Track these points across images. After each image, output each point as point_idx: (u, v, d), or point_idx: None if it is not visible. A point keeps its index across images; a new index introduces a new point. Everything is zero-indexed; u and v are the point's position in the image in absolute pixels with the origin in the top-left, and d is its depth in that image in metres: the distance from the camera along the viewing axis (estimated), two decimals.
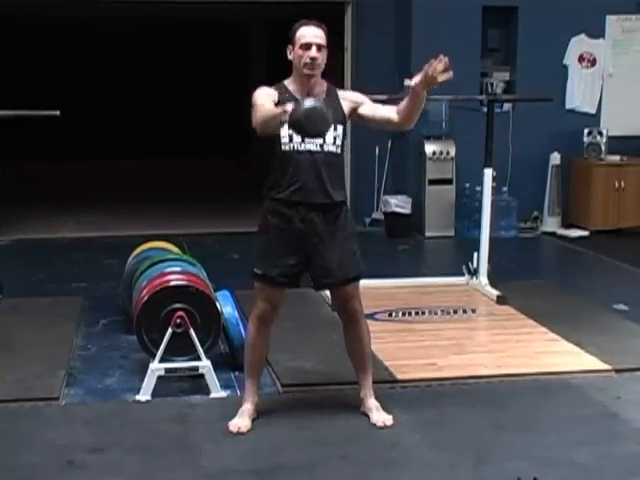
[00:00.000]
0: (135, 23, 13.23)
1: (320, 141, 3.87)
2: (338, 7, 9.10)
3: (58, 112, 5.92)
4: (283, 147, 3.88)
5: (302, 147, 3.87)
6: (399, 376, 4.61)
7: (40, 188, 11.35)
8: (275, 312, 4.02)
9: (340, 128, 3.92)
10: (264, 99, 3.81)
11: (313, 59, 3.85)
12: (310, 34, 3.87)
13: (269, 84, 4.00)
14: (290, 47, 3.92)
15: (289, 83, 3.97)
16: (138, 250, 5.69)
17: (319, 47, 3.87)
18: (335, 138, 3.91)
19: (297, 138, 3.85)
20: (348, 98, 4.04)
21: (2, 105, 6.39)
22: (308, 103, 3.62)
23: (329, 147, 3.90)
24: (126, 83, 14.25)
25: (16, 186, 10.96)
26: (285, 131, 3.84)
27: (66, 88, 13.55)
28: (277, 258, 3.91)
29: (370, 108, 4.03)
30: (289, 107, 3.62)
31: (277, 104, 3.72)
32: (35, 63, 13.88)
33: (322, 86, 3.97)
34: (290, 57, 3.93)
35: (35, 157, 13.04)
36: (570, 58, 9.00)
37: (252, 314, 4.05)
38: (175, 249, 5.69)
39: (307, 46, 3.85)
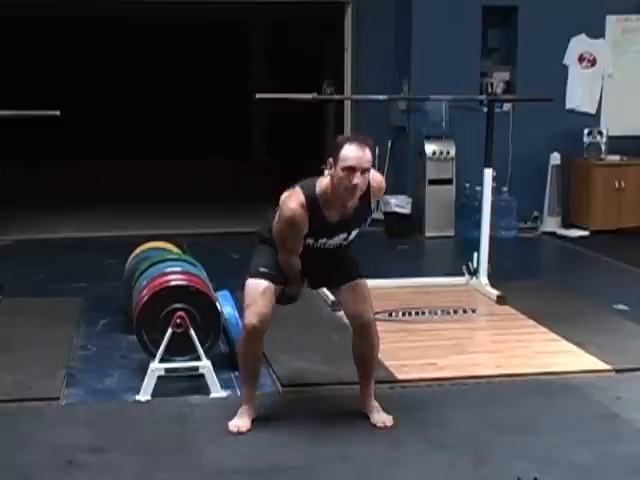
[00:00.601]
0: (135, 23, 13.23)
1: (344, 242, 3.92)
2: (338, 7, 9.10)
3: (58, 112, 5.91)
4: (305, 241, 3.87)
5: (324, 247, 3.91)
6: (399, 376, 4.61)
7: (40, 188, 11.34)
8: (264, 326, 3.87)
9: (357, 230, 3.94)
10: (296, 242, 3.81)
11: (355, 186, 3.67)
12: (355, 156, 3.68)
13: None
14: (331, 161, 3.72)
15: (323, 195, 3.76)
16: (138, 250, 5.68)
17: (363, 172, 3.70)
18: (348, 237, 3.95)
19: (321, 245, 3.88)
20: (375, 194, 3.93)
21: (2, 105, 6.39)
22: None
23: (348, 242, 3.97)
24: (126, 83, 14.26)
25: (16, 186, 10.98)
26: (311, 242, 3.86)
27: (66, 88, 13.56)
28: (273, 262, 3.93)
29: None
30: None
31: None
32: (35, 63, 13.89)
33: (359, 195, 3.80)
34: (328, 172, 3.74)
35: (35, 157, 13.04)
36: (570, 58, 9.00)
37: (242, 328, 3.99)
38: (175, 249, 5.69)
39: (352, 169, 3.66)
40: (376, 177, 3.92)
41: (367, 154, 3.73)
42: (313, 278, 4.08)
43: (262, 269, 3.92)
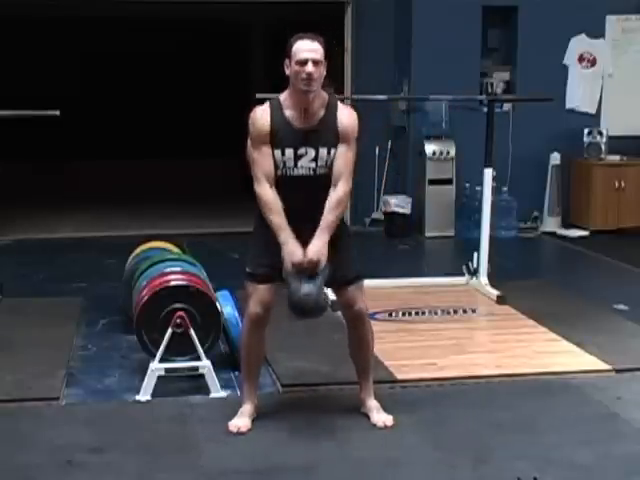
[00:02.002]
0: (135, 23, 13.22)
1: (313, 165, 3.85)
2: (338, 7, 9.10)
3: (58, 112, 5.92)
4: (277, 172, 3.86)
5: (295, 173, 3.86)
6: (399, 376, 4.61)
7: (40, 188, 11.34)
8: (267, 314, 3.95)
9: (333, 151, 3.86)
10: (261, 163, 3.81)
11: (309, 75, 3.75)
12: (305, 49, 3.78)
13: (268, 88, 3.97)
14: (287, 62, 3.82)
15: (285, 99, 3.88)
16: (138, 250, 5.68)
17: (315, 62, 3.77)
18: (327, 161, 3.87)
19: (290, 163, 3.85)
20: (343, 122, 3.87)
21: (2, 105, 6.39)
22: (305, 289, 3.70)
23: (321, 170, 3.88)
24: (126, 83, 14.25)
25: (16, 186, 10.98)
26: (279, 157, 3.84)
27: (66, 88, 13.55)
28: (268, 257, 3.88)
29: (339, 153, 3.88)
30: (285, 248, 3.75)
31: None
32: (35, 63, 13.88)
33: (321, 99, 3.87)
34: (287, 72, 3.84)
35: (35, 157, 13.04)
36: (570, 58, 9.00)
37: (245, 317, 4.04)
38: (175, 249, 5.69)
39: (303, 62, 3.76)
40: (347, 107, 4.01)
41: (317, 46, 3.81)
42: (313, 241, 3.89)
43: (248, 269, 3.95)
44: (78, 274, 6.96)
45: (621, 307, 6.02)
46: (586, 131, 8.82)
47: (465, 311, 5.88)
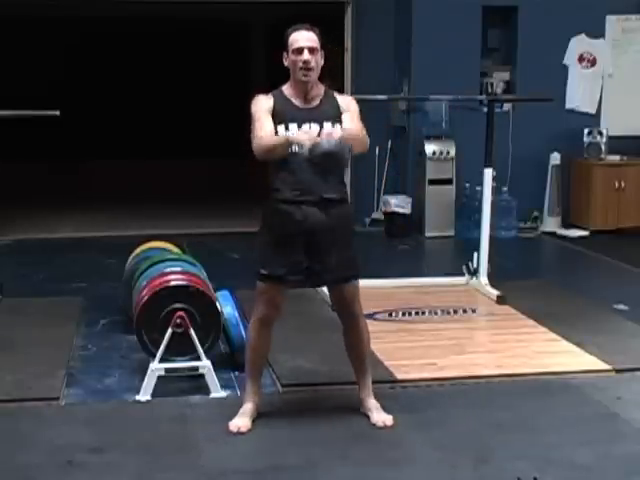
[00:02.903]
0: (135, 23, 13.23)
1: (317, 129, 3.88)
2: (338, 7, 9.10)
3: (58, 112, 5.92)
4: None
5: (299, 149, 3.87)
6: (399, 376, 4.61)
7: (40, 187, 11.34)
8: (278, 313, 4.01)
9: (337, 126, 3.90)
10: (263, 121, 3.86)
11: (306, 62, 3.85)
12: (302, 38, 3.88)
13: (267, 90, 4.01)
14: (285, 54, 3.92)
15: (286, 88, 3.98)
16: (138, 250, 5.68)
17: (311, 50, 3.87)
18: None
19: (293, 128, 3.87)
20: (342, 102, 4.02)
21: (2, 105, 6.39)
22: (325, 146, 3.69)
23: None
24: (126, 83, 14.26)
25: (16, 186, 10.98)
26: (282, 133, 3.86)
27: (66, 88, 13.56)
28: (283, 257, 3.90)
29: (345, 120, 3.96)
30: (292, 136, 3.81)
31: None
32: (36, 63, 13.89)
33: (319, 89, 3.98)
34: (286, 63, 3.94)
35: (34, 157, 13.04)
36: (570, 58, 9.00)
37: (253, 317, 4.04)
38: (175, 249, 5.69)
39: (299, 51, 3.86)
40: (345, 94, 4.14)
41: (312, 35, 3.91)
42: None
43: (263, 271, 3.95)
44: (78, 274, 6.96)
45: (621, 307, 6.02)
46: (586, 131, 8.82)
47: (465, 311, 5.88)
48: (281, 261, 3.90)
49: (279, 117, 3.90)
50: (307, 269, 3.94)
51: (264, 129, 3.86)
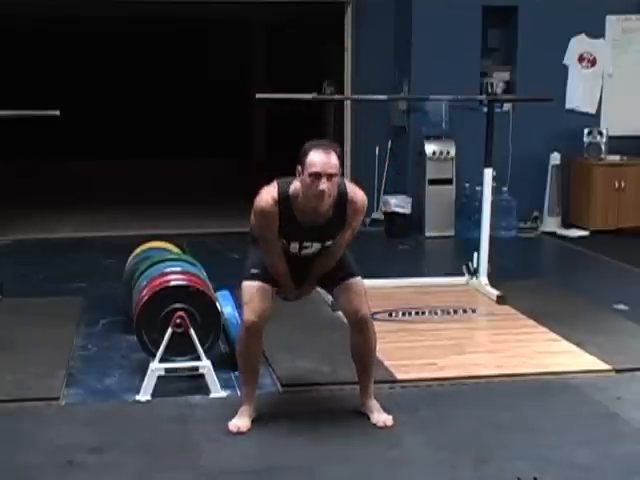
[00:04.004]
0: (135, 23, 13.23)
1: (317, 249, 3.93)
2: (338, 7, 9.10)
3: (58, 112, 5.91)
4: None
5: (300, 254, 3.94)
6: (399, 376, 4.61)
7: (40, 188, 11.35)
8: (263, 322, 3.92)
9: (338, 237, 3.92)
10: (271, 244, 3.87)
11: (322, 192, 3.68)
12: (320, 162, 3.68)
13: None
14: (299, 168, 3.75)
15: (296, 195, 3.79)
16: (138, 250, 5.68)
17: (330, 176, 3.69)
18: (322, 249, 3.96)
19: (295, 250, 3.91)
20: (350, 214, 3.87)
21: (2, 105, 6.39)
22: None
23: (326, 246, 3.96)
24: (126, 83, 14.26)
25: (15, 185, 10.98)
26: (284, 245, 3.91)
27: (66, 88, 13.56)
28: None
29: (342, 234, 3.93)
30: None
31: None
32: (36, 63, 13.89)
33: (331, 200, 3.78)
34: (299, 178, 3.77)
35: (34, 157, 13.05)
36: (570, 58, 9.00)
37: (240, 325, 4.03)
38: (175, 249, 5.69)
39: (317, 175, 3.68)
40: (358, 195, 3.90)
41: (332, 159, 3.72)
42: (305, 285, 4.10)
43: (254, 270, 3.96)
44: (78, 274, 6.96)
45: (621, 307, 6.02)
46: (586, 131, 8.82)
47: (465, 311, 5.88)
48: (261, 265, 3.96)
49: (282, 231, 3.86)
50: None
51: (274, 253, 3.89)
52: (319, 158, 3.69)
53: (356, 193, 3.89)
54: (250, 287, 3.94)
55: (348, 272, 4.03)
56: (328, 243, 3.91)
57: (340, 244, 3.97)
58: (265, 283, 3.93)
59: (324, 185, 3.68)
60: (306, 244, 3.90)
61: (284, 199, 3.80)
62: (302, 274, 4.02)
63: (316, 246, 3.92)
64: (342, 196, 3.83)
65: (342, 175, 3.92)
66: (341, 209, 3.85)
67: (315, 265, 4.00)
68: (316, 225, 3.84)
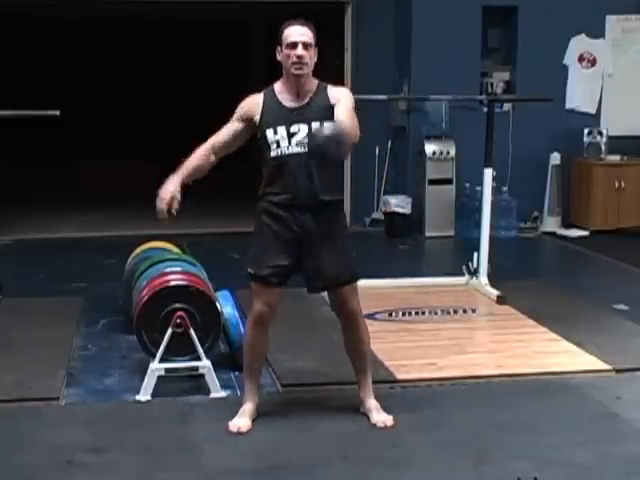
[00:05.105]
0: (135, 23, 13.23)
1: (305, 131, 3.86)
2: (338, 7, 9.10)
3: (58, 112, 5.92)
4: (272, 153, 3.90)
5: (290, 150, 3.87)
6: (399, 376, 4.61)
7: (40, 188, 11.34)
8: (271, 312, 3.99)
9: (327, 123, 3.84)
10: (226, 129, 4.02)
11: (300, 57, 3.82)
12: (296, 33, 3.85)
13: (263, 86, 4.01)
14: (278, 48, 3.90)
15: (278, 85, 3.96)
16: (138, 250, 5.68)
17: (305, 45, 3.84)
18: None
19: (284, 142, 3.86)
20: (334, 95, 3.95)
21: (2, 105, 6.39)
22: (326, 131, 3.63)
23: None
24: (126, 83, 14.26)
25: (16, 186, 10.98)
26: (272, 137, 3.87)
27: (65, 88, 13.56)
28: (269, 259, 3.91)
29: (337, 111, 3.88)
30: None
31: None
32: (36, 63, 13.90)
33: (311, 84, 3.94)
34: (279, 58, 3.92)
35: (34, 156, 13.04)
36: (570, 58, 9.00)
37: (249, 315, 4.06)
38: (175, 249, 5.69)
39: (293, 45, 3.83)
40: (337, 86, 4.05)
41: (307, 30, 3.88)
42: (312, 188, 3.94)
43: (250, 270, 3.97)
44: (78, 274, 6.96)
45: (621, 307, 6.02)
46: (586, 131, 8.82)
47: (465, 311, 5.88)
48: (266, 263, 3.92)
49: (267, 120, 3.89)
50: (289, 273, 3.97)
51: (218, 136, 4.05)
52: (295, 29, 3.86)
53: (335, 85, 4.03)
54: (256, 285, 3.99)
55: (345, 279, 3.99)
56: (315, 125, 3.82)
57: (340, 118, 3.80)
58: (269, 285, 3.95)
59: (301, 51, 3.82)
60: (294, 128, 3.86)
61: (268, 91, 3.97)
62: (305, 193, 3.87)
63: (304, 130, 3.84)
64: (323, 86, 3.96)
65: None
66: (323, 92, 3.94)
67: (317, 176, 3.86)
68: (301, 105, 3.90)
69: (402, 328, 5.52)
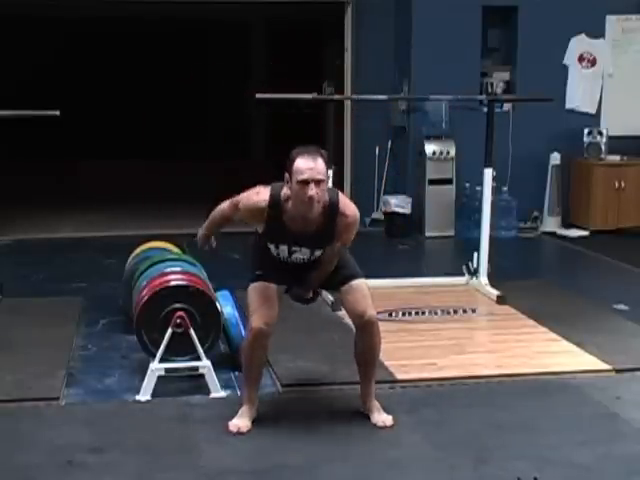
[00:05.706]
0: (135, 23, 13.23)
1: (307, 256, 3.91)
2: (338, 7, 9.10)
3: (58, 112, 5.91)
4: (272, 253, 3.94)
5: (290, 260, 3.93)
6: (399, 376, 4.61)
7: (40, 188, 11.34)
8: (270, 329, 3.93)
9: (328, 248, 3.90)
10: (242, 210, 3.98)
11: (310, 198, 3.67)
12: (307, 169, 3.66)
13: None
14: (287, 176, 3.73)
15: (286, 201, 3.79)
16: (138, 250, 5.68)
17: (317, 182, 3.67)
18: (311, 256, 3.93)
19: (284, 254, 3.90)
20: (341, 226, 3.84)
21: (1, 105, 6.39)
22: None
23: (316, 255, 3.94)
24: (126, 83, 14.26)
25: (15, 185, 10.98)
26: (273, 249, 3.91)
27: (65, 88, 13.56)
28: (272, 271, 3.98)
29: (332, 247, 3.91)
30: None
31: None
32: (37, 63, 13.90)
33: (320, 208, 3.76)
34: (287, 186, 3.76)
35: (34, 156, 13.05)
36: (570, 58, 9.00)
37: (247, 331, 4.02)
38: (175, 249, 5.69)
39: (304, 182, 3.66)
40: (350, 208, 3.89)
41: (319, 165, 3.69)
42: (304, 284, 4.07)
43: (258, 272, 3.98)
44: (78, 274, 6.96)
45: (621, 307, 6.02)
46: (586, 131, 8.82)
47: (465, 311, 5.88)
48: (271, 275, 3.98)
49: (270, 236, 3.88)
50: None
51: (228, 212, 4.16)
52: (306, 165, 3.67)
53: (348, 206, 3.88)
54: (256, 290, 3.95)
55: (350, 273, 4.02)
56: (317, 252, 3.89)
57: (330, 258, 3.93)
58: (270, 282, 3.94)
59: (312, 191, 3.66)
60: (295, 248, 3.88)
61: (275, 203, 3.80)
62: (298, 280, 4.01)
63: (305, 251, 3.89)
64: (333, 206, 3.82)
65: (333, 185, 3.98)
66: (331, 220, 3.82)
67: (311, 275, 4.00)
68: (305, 233, 3.83)
69: (402, 328, 5.52)
